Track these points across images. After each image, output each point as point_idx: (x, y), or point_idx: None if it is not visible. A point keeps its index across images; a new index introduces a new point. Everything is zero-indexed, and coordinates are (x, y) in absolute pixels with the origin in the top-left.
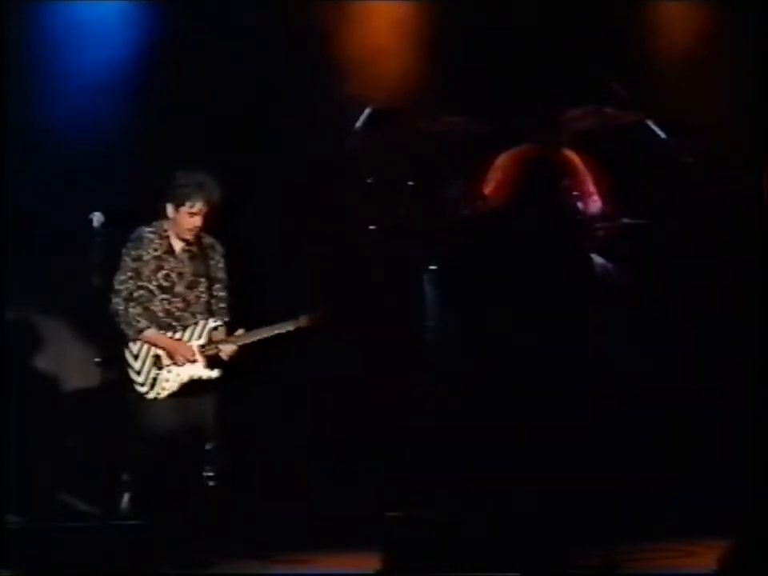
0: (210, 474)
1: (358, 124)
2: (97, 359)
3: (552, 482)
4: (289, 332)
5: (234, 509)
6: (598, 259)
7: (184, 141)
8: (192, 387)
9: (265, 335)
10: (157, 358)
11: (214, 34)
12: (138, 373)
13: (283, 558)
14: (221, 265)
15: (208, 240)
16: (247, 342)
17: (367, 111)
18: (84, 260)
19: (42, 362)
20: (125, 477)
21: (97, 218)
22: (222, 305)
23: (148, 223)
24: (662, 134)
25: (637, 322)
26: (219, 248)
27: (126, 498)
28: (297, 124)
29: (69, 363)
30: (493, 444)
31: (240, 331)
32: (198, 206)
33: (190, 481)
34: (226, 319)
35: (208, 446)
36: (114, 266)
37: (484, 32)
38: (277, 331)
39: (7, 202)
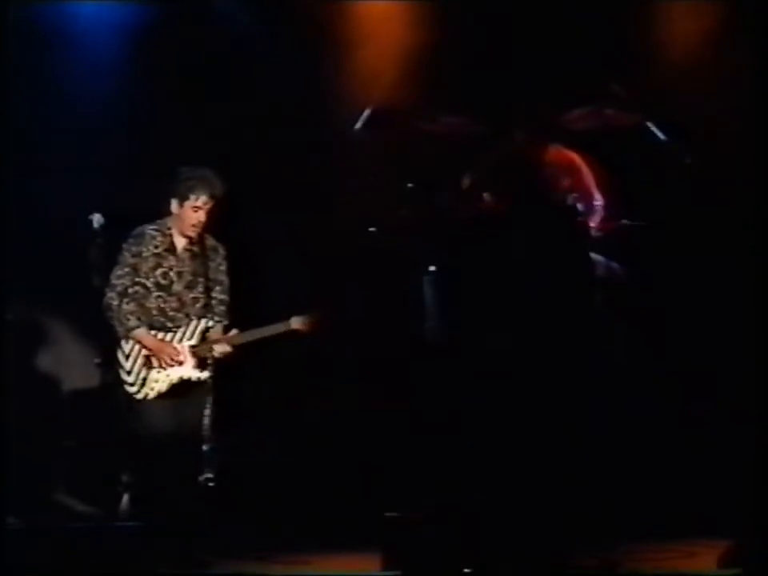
0: (210, 474)
1: (358, 124)
2: (97, 360)
3: (552, 482)
4: (282, 334)
5: (234, 509)
6: (597, 259)
7: (184, 141)
8: (182, 388)
9: (257, 336)
10: (147, 358)
11: (215, 34)
12: (129, 372)
13: (283, 558)
14: (222, 267)
15: (211, 242)
16: (241, 342)
17: (367, 112)
18: (84, 261)
19: (42, 363)
20: (124, 478)
21: (97, 219)
22: (222, 307)
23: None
24: (662, 135)
25: (636, 323)
26: (221, 251)
27: (125, 498)
28: (296, 124)
29: (69, 364)
30: (493, 445)
31: (234, 332)
32: (203, 199)
33: (189, 481)
34: (226, 322)
35: (207, 447)
36: (113, 267)
37: (484, 33)
38: (269, 333)
39: (7, 202)
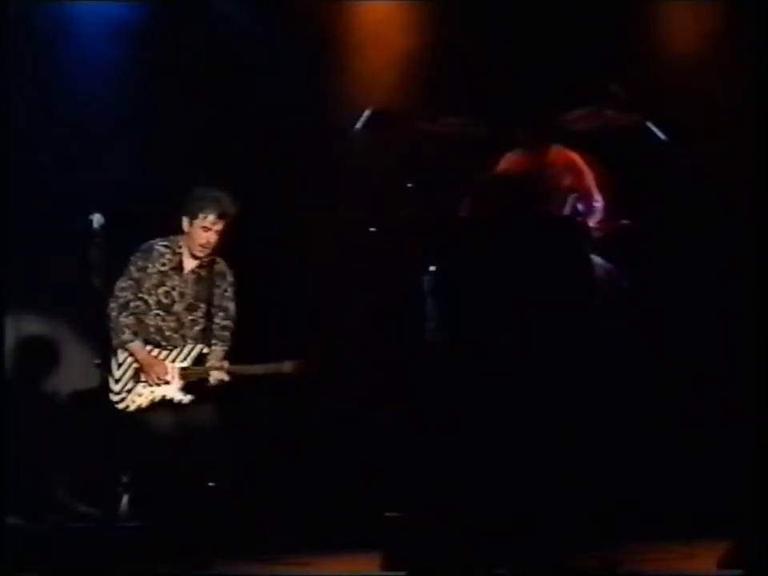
0: (211, 475)
1: (358, 125)
2: (96, 361)
3: (552, 482)
4: (273, 374)
5: (234, 510)
6: (597, 260)
7: (184, 141)
8: (162, 407)
9: (248, 372)
10: (137, 371)
11: (215, 35)
12: (117, 381)
13: (283, 560)
14: (228, 294)
15: (220, 267)
16: (232, 372)
17: (367, 112)
18: (84, 261)
19: (42, 363)
20: (124, 478)
21: (97, 219)
22: (225, 333)
23: (148, 225)
24: (662, 136)
25: (636, 323)
26: (229, 277)
27: (125, 499)
28: (295, 125)
29: (69, 364)
30: (493, 445)
31: (225, 363)
32: (211, 219)
33: (190, 482)
34: (226, 347)
35: (208, 448)
36: (113, 268)
37: (484, 33)
38: (260, 372)
39: (7, 202)
